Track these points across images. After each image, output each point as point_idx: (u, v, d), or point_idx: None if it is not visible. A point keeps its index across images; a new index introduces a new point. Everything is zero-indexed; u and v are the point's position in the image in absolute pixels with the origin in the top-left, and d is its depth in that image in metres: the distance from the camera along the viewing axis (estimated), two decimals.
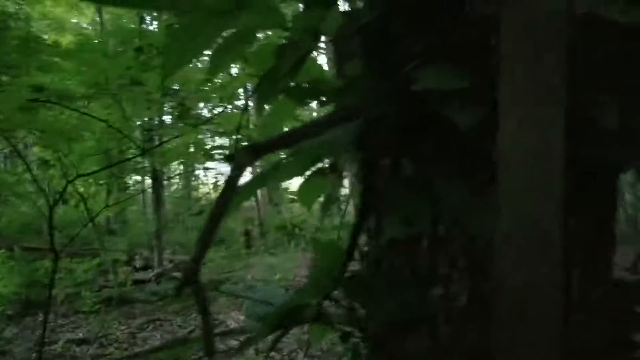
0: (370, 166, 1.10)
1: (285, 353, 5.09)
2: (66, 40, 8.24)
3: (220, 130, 6.34)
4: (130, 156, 6.57)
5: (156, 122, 7.13)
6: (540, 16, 0.82)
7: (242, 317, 6.26)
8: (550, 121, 0.84)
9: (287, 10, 1.36)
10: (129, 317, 6.95)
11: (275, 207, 14.68)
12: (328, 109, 1.30)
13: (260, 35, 1.38)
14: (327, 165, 1.24)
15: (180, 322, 6.60)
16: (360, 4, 1.27)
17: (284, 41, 1.28)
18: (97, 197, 8.78)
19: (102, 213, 7.00)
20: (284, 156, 1.16)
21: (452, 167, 1.09)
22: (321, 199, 1.45)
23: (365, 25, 1.09)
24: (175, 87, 6.00)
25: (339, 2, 1.14)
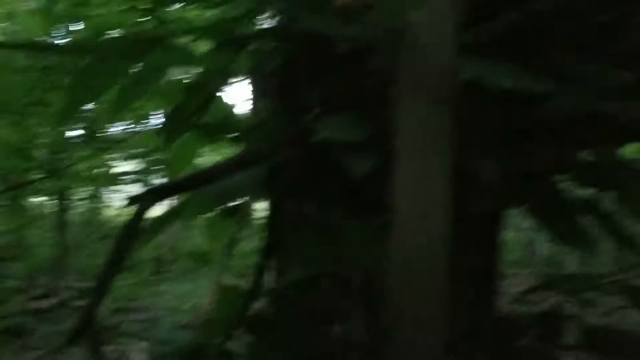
0: (275, 208, 1.13)
1: None
2: None
3: (132, 152, 6.13)
4: (34, 178, 6.18)
5: (64, 143, 6.78)
6: (431, 77, 0.90)
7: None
8: (438, 174, 0.92)
9: (201, 48, 1.38)
10: (26, 349, 6.43)
11: (187, 231, 14.25)
12: (236, 147, 1.32)
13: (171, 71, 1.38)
14: (234, 205, 1.26)
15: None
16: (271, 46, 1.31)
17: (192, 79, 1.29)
18: None
19: None
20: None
21: (351, 209, 1.14)
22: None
23: (272, 71, 1.14)
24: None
25: (249, 45, 1.17)
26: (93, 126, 5.51)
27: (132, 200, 0.90)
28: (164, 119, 1.27)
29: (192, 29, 1.23)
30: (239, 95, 1.34)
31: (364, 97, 1.04)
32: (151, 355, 1.28)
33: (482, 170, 0.93)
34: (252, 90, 1.37)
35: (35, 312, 8.22)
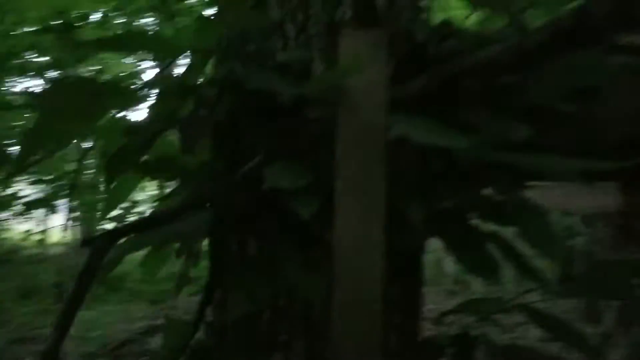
0: (217, 246, 1.21)
1: None
2: None
3: (42, 177, 5.84)
4: None
5: None
6: (366, 134, 1.04)
7: None
8: (373, 216, 1.05)
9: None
10: None
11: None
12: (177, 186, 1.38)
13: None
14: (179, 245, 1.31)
15: None
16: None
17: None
18: None
19: None
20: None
21: (291, 244, 1.24)
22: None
23: (215, 118, 1.22)
24: None
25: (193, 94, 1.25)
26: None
27: (88, 242, 0.95)
28: (106, 158, 1.29)
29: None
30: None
31: (303, 145, 1.16)
32: None
33: (410, 211, 1.07)
34: (185, 133, 1.43)
35: None
